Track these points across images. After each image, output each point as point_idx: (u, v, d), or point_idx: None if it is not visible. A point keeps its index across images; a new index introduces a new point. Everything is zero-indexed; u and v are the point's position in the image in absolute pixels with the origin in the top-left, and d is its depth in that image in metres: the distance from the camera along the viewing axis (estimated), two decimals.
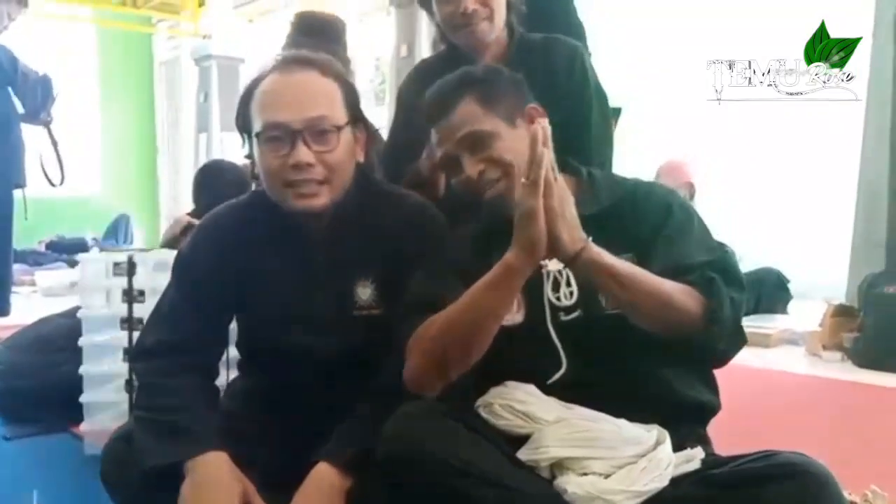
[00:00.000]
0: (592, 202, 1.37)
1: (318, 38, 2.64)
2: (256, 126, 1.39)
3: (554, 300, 1.34)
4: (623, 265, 1.23)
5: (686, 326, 1.23)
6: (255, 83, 1.42)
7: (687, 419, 1.34)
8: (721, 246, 1.35)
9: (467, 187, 1.39)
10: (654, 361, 1.31)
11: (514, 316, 1.35)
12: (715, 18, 5.58)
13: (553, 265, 1.33)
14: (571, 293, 1.33)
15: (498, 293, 1.23)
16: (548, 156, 1.18)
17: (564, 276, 1.33)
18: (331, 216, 1.44)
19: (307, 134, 1.35)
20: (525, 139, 1.30)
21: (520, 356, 1.34)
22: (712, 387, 1.41)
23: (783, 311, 4.64)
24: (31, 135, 4.63)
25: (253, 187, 1.65)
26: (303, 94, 1.37)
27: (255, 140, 1.39)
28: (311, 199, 1.38)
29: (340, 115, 1.40)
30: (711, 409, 1.40)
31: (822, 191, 5.40)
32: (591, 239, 1.21)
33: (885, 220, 4.20)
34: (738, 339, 1.29)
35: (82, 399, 2.42)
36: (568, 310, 1.33)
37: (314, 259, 1.47)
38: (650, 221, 1.35)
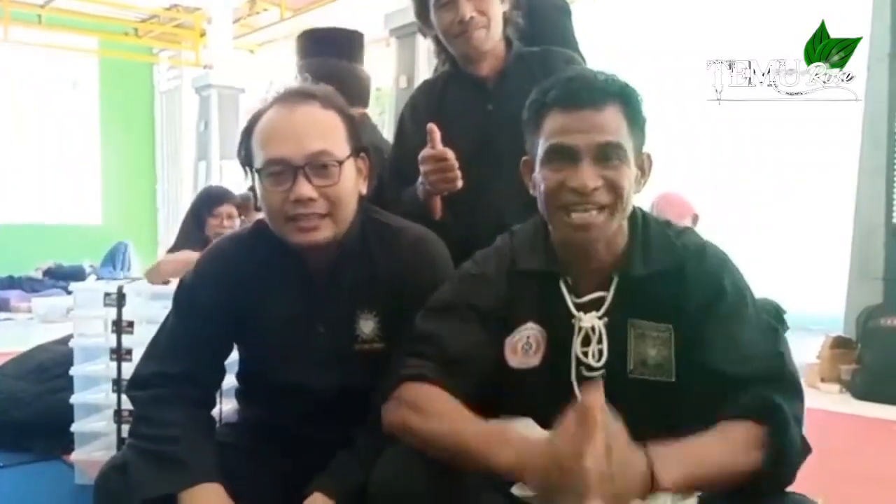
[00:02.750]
0: (643, 264, 1.28)
1: (328, 55, 2.56)
2: (258, 161, 1.38)
3: (581, 355, 1.27)
4: (692, 464, 1.09)
5: (753, 472, 1.11)
6: (257, 116, 1.41)
7: None
8: (775, 334, 1.24)
9: (565, 193, 1.22)
10: (667, 431, 1.24)
11: (530, 359, 1.30)
12: (715, 18, 5.62)
13: (586, 321, 1.27)
14: (600, 352, 1.25)
15: (484, 462, 1.11)
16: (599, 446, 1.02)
17: (597, 333, 1.26)
18: (334, 250, 1.43)
19: (308, 169, 1.34)
20: (632, 181, 1.24)
21: (534, 403, 1.29)
22: None
23: None
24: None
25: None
26: (303, 128, 1.36)
27: (257, 174, 1.39)
28: (313, 233, 1.37)
29: (342, 148, 1.39)
30: None
31: (820, 223, 5.43)
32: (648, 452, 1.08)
33: (881, 253, 4.22)
34: (805, 454, 1.15)
35: (73, 428, 2.41)
36: (592, 368, 1.26)
37: (316, 293, 1.46)
38: (699, 298, 1.24)
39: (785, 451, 1.11)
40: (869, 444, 3.14)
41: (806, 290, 5.14)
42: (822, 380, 3.99)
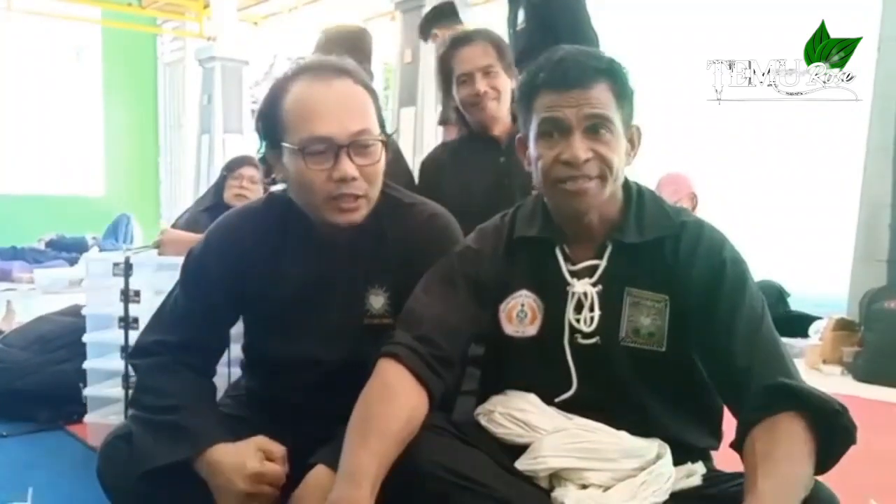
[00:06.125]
0: (636, 232, 1.30)
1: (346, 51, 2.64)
2: (294, 138, 1.34)
3: (574, 322, 1.30)
4: (791, 496, 1.05)
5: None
6: (284, 87, 1.37)
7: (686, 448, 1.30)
8: (762, 307, 1.25)
9: (559, 167, 1.26)
10: (660, 400, 1.29)
11: (527, 328, 1.33)
12: (715, 18, 5.59)
13: (579, 287, 1.30)
14: (593, 318, 1.28)
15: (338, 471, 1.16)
16: None
17: (589, 299, 1.29)
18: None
19: (351, 148, 1.33)
20: (622, 153, 1.27)
21: (530, 370, 1.32)
22: (717, 433, 1.36)
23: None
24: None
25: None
26: (344, 106, 1.34)
27: (295, 152, 1.34)
28: (352, 213, 1.36)
29: (375, 125, 1.38)
30: (710, 448, 1.36)
31: (824, 206, 5.41)
32: None
33: (886, 235, 4.21)
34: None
35: (86, 393, 2.45)
36: (586, 334, 1.29)
37: (328, 266, 1.45)
38: (701, 273, 1.26)
39: (835, 431, 1.10)
40: (870, 426, 3.13)
41: (810, 271, 5.14)
42: (824, 361, 3.99)
